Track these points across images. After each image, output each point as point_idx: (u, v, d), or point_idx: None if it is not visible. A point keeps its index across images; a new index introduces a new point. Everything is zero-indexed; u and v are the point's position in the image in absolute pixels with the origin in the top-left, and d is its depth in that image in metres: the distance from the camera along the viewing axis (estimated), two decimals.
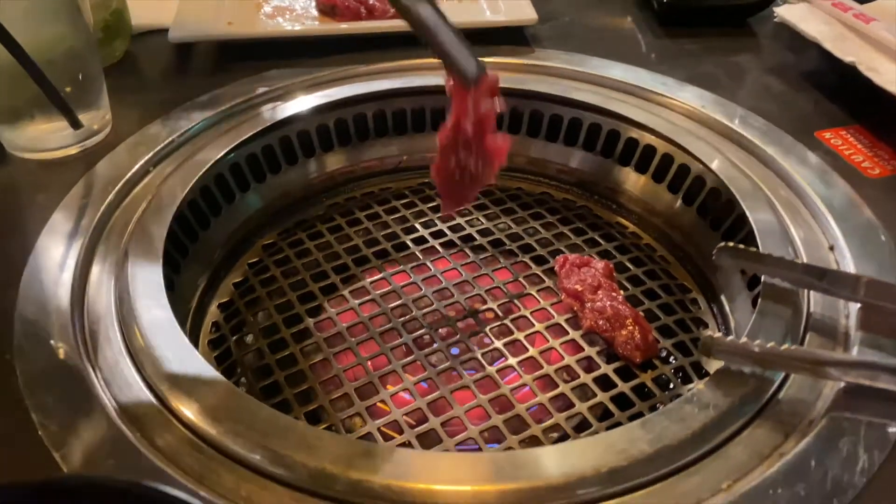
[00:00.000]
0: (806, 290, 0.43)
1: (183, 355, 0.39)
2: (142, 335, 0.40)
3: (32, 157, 0.54)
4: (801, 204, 0.51)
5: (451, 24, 0.41)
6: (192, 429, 0.36)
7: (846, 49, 0.57)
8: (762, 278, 0.43)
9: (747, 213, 0.48)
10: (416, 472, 0.33)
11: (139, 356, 0.39)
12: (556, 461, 0.34)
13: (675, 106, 0.61)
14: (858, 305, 0.42)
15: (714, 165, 0.53)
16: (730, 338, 0.37)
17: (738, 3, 0.71)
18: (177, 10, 0.67)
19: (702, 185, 0.55)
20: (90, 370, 0.39)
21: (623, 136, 0.60)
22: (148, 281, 0.43)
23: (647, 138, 0.59)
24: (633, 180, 0.60)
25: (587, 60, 0.66)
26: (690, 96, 0.61)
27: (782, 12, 0.63)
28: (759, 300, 0.42)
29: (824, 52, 0.60)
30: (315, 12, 0.70)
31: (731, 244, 0.43)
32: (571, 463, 0.33)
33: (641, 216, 0.60)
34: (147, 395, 0.38)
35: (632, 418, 0.43)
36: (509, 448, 0.41)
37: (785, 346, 0.36)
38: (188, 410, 0.36)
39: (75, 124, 0.52)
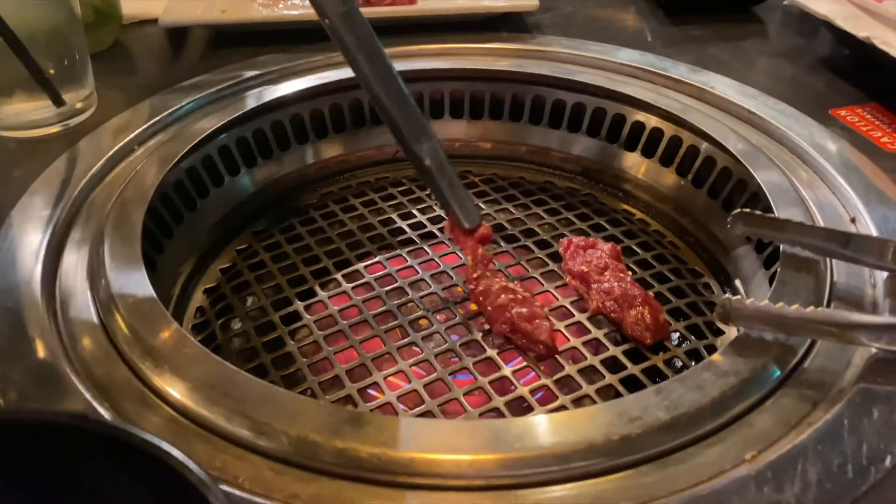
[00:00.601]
0: (828, 259, 0.40)
1: (153, 318, 0.36)
2: (115, 302, 0.37)
3: (11, 135, 0.52)
4: (819, 179, 0.48)
5: (453, 169, 0.44)
6: (160, 395, 0.33)
7: (859, 26, 0.55)
8: (781, 248, 0.41)
9: (763, 189, 0.46)
10: (408, 440, 0.30)
11: (110, 323, 0.37)
12: (562, 429, 0.30)
13: (682, 88, 0.58)
14: (886, 274, 0.39)
15: (726, 143, 0.50)
16: (750, 300, 0.34)
17: None
18: None
19: (712, 165, 0.53)
20: (57, 340, 0.36)
21: (629, 120, 0.58)
22: (125, 254, 0.41)
23: (654, 121, 0.57)
24: (639, 165, 0.58)
25: (590, 45, 0.64)
26: (699, 78, 0.59)
27: None
28: (779, 269, 0.39)
29: (836, 36, 0.58)
30: None
31: (746, 210, 0.40)
32: (579, 431, 0.30)
33: (649, 203, 0.57)
34: (117, 360, 0.35)
35: None
36: None
37: (810, 308, 0.33)
38: (156, 376, 0.33)
39: (57, 101, 0.50)
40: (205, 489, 0.17)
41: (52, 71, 0.51)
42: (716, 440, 0.31)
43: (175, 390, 0.33)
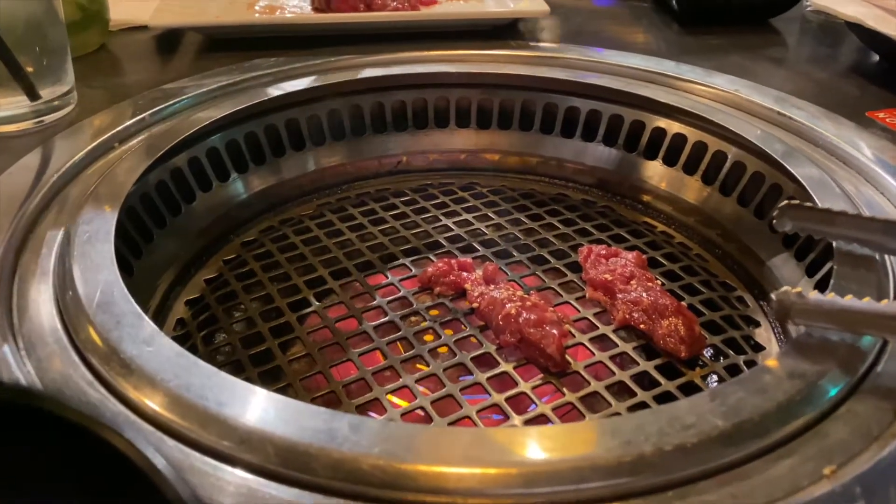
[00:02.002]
0: (886, 257, 0.36)
1: (126, 322, 0.31)
2: (81, 304, 0.32)
3: None
4: (864, 179, 0.44)
5: None
6: (129, 404, 0.28)
7: (892, 26, 0.52)
8: (834, 246, 0.36)
9: (805, 187, 0.41)
10: (418, 451, 0.25)
11: (75, 328, 0.32)
12: (603, 437, 0.25)
13: (705, 92, 0.55)
14: None
15: (760, 145, 0.46)
16: (813, 293, 0.29)
17: (767, 0, 0.66)
18: (161, 0, 0.62)
19: (742, 171, 0.49)
20: (12, 348, 0.31)
21: (648, 127, 0.54)
22: (96, 254, 0.36)
23: (676, 127, 0.53)
24: (660, 175, 0.54)
25: (604, 52, 0.60)
26: (721, 82, 0.55)
27: None
28: (835, 267, 0.35)
29: (864, 40, 0.55)
30: (310, 10, 0.65)
31: (794, 202, 0.36)
32: (625, 439, 0.25)
33: (671, 215, 0.53)
34: (80, 368, 0.30)
35: None
36: None
37: (885, 302, 0.29)
38: (125, 382, 0.28)
39: (32, 95, 0.46)
40: (154, 474, 0.12)
41: (29, 68, 0.47)
42: (785, 452, 0.26)
43: (145, 397, 0.28)
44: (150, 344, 0.30)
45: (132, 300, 0.32)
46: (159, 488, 0.12)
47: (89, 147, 0.45)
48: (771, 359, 0.30)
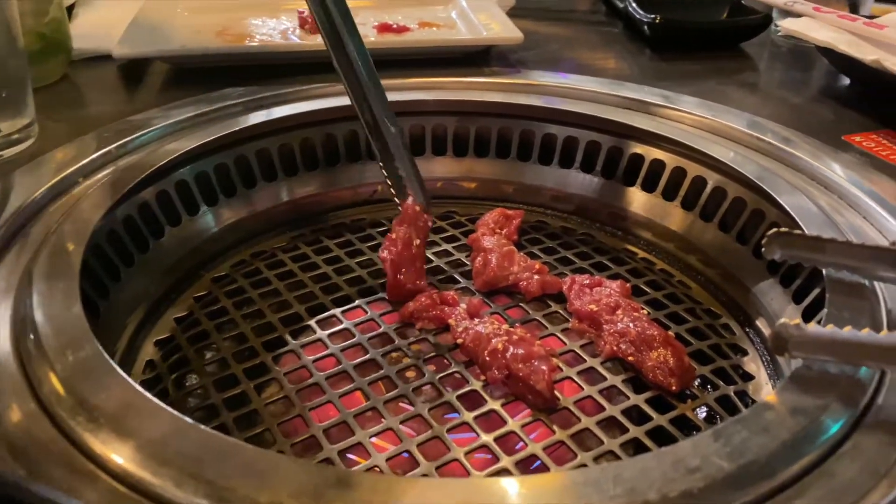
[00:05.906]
0: (877, 284, 0.35)
1: (93, 369, 0.29)
2: (43, 350, 0.30)
3: None
4: (847, 204, 0.44)
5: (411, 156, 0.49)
6: (95, 459, 0.26)
7: (864, 51, 0.52)
8: (824, 273, 0.36)
9: (791, 213, 0.41)
10: None
11: (37, 377, 0.30)
12: (606, 484, 0.24)
13: (681, 118, 0.54)
14: None
15: (742, 170, 0.46)
16: (812, 325, 0.29)
17: (738, 25, 0.67)
18: (126, 29, 0.60)
19: (722, 196, 0.49)
20: None
21: (626, 153, 0.54)
22: (59, 296, 0.34)
23: (654, 153, 0.52)
24: (639, 201, 0.53)
25: (580, 78, 0.60)
26: (697, 107, 0.55)
27: (787, 24, 0.58)
28: (827, 295, 0.34)
29: (836, 64, 0.56)
30: (279, 39, 0.64)
31: (783, 230, 0.35)
32: (629, 487, 0.24)
33: (651, 242, 0.53)
34: (43, 421, 0.28)
35: None
36: None
37: (884, 333, 0.28)
38: (91, 435, 0.26)
39: None
40: None
41: None
42: (794, 493, 0.25)
43: (114, 452, 0.26)
44: (120, 394, 0.28)
45: (99, 346, 0.30)
46: None
47: (52, 182, 0.43)
48: (770, 394, 0.29)
